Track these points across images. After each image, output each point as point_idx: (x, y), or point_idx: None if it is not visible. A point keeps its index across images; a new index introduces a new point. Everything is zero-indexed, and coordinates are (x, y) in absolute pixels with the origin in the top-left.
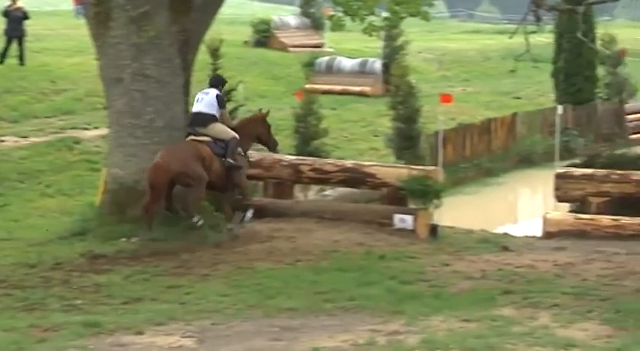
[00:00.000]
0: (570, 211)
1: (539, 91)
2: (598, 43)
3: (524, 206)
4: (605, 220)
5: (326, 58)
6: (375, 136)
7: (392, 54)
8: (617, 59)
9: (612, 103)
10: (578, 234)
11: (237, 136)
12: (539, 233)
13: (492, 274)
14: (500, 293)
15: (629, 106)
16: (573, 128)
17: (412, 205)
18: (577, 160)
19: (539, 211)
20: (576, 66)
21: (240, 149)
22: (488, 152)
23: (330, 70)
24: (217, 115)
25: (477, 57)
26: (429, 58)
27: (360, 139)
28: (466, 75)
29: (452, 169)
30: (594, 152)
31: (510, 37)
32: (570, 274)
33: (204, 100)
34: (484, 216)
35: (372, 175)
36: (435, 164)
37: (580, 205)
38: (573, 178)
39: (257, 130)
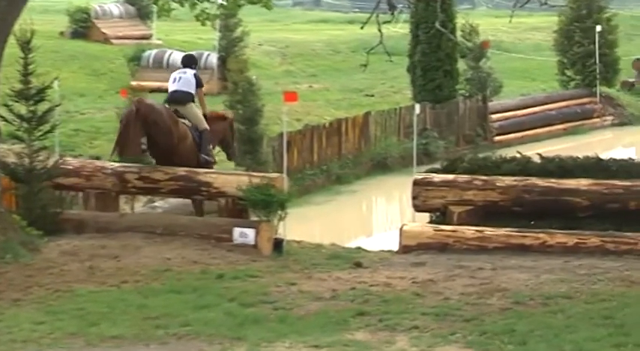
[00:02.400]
0: (430, 222)
1: (394, 87)
2: (458, 35)
3: (379, 217)
4: (468, 231)
5: (154, 52)
6: None
7: (229, 46)
8: (479, 52)
9: (475, 100)
10: (439, 247)
11: (208, 128)
12: (395, 247)
13: (344, 293)
14: (353, 315)
15: (493, 104)
16: (432, 129)
17: (254, 218)
18: (437, 165)
19: (395, 223)
20: (434, 60)
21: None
22: (339, 157)
23: (160, 64)
24: (194, 95)
25: (325, 50)
26: (271, 51)
27: None
28: (313, 70)
29: (298, 176)
30: (456, 156)
31: (361, 28)
32: (430, 293)
33: (182, 80)
34: (335, 229)
35: (208, 184)
36: (280, 171)
37: (440, 215)
38: (433, 185)
39: (224, 133)
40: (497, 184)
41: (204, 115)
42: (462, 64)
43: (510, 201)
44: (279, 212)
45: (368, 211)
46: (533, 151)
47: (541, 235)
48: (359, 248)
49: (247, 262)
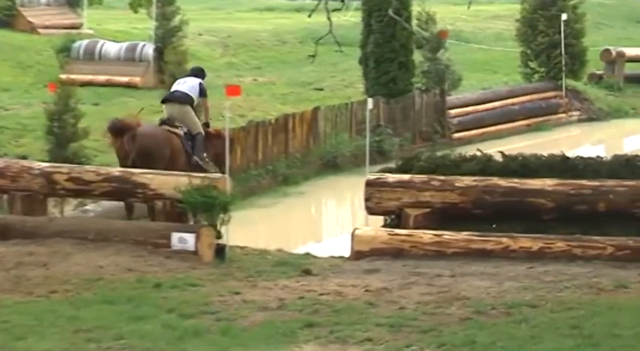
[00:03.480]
0: (384, 226)
1: (345, 80)
2: (414, 24)
3: (329, 221)
4: (426, 235)
5: (85, 42)
6: None
7: (166, 37)
8: (436, 42)
9: (432, 95)
10: (394, 253)
11: (203, 132)
12: (347, 253)
13: (292, 303)
14: (301, 326)
15: (452, 98)
16: (386, 126)
17: (194, 222)
18: (391, 165)
19: (347, 227)
20: (388, 51)
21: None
22: (286, 156)
23: (91, 56)
24: (195, 102)
25: (271, 40)
26: (212, 41)
27: None
28: (257, 62)
29: (242, 176)
30: (412, 154)
31: (309, 16)
32: (385, 302)
33: (187, 84)
34: (282, 233)
35: (144, 186)
36: (222, 171)
37: (395, 219)
38: (387, 186)
39: (217, 150)
40: (457, 184)
41: (206, 124)
42: (418, 56)
43: (470, 203)
44: (222, 216)
45: (317, 214)
46: (495, 149)
47: (503, 239)
48: (308, 254)
49: (187, 269)
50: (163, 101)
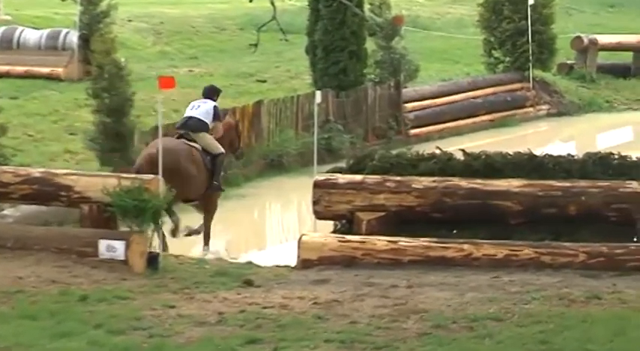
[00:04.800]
0: (334, 232)
1: (290, 71)
2: (366, 9)
3: (273, 226)
4: (380, 242)
5: (2, 29)
6: (72, 134)
7: (92, 23)
8: (391, 29)
9: (386, 87)
10: (345, 262)
11: (224, 151)
12: (293, 262)
13: (232, 317)
14: (242, 343)
15: (408, 91)
16: (336, 121)
17: (124, 228)
18: (342, 164)
19: (293, 233)
20: (338, 38)
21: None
22: (226, 154)
23: (9, 44)
24: (210, 126)
25: (207, 27)
26: (143, 28)
27: (51, 138)
28: (193, 51)
29: None
30: (364, 153)
31: (250, 1)
32: (335, 316)
33: (201, 108)
34: (221, 240)
35: (69, 188)
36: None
37: (346, 224)
38: (337, 188)
39: (231, 137)
40: (414, 185)
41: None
42: (370, 44)
43: (429, 206)
44: (155, 221)
45: (260, 219)
46: (456, 147)
47: (465, 246)
48: (250, 263)
49: (116, 280)
50: (179, 127)
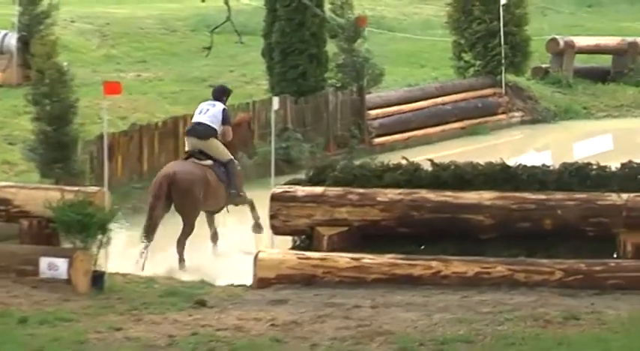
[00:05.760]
0: (293, 248)
1: (245, 76)
2: (327, 9)
3: (228, 242)
4: (342, 259)
5: None
6: (10, 143)
7: (32, 24)
8: (353, 31)
9: (349, 93)
10: (305, 280)
11: (233, 158)
12: (249, 281)
13: (184, 340)
14: None
15: (372, 96)
16: (295, 129)
17: (67, 245)
18: (301, 175)
19: (249, 249)
20: (297, 41)
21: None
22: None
23: None
24: (218, 131)
25: (157, 28)
26: (88, 29)
27: None
28: (141, 54)
29: (124, 190)
30: (325, 163)
31: (203, 1)
32: (294, 338)
33: (209, 112)
34: (171, 258)
35: (7, 202)
36: (100, 184)
37: (306, 240)
38: (296, 201)
39: (244, 136)
40: (378, 198)
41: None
42: (332, 47)
43: (395, 220)
44: (100, 237)
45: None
46: (423, 157)
47: (434, 263)
48: (202, 282)
49: (58, 301)
50: (187, 133)
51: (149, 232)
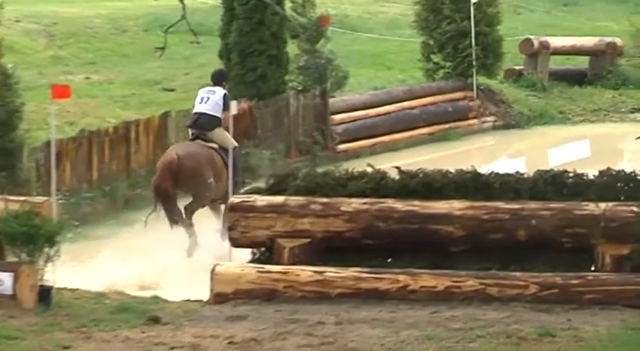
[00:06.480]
0: (252, 261)
1: (201, 79)
2: (287, 7)
3: (183, 255)
4: (304, 273)
5: None
6: None
7: None
8: (316, 31)
9: (311, 96)
10: (265, 295)
11: (237, 145)
12: (206, 295)
13: None
14: None
15: (336, 100)
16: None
17: (11, 258)
18: (260, 184)
19: (205, 262)
20: (256, 41)
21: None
22: (127, 173)
23: None
24: (222, 119)
25: (107, 28)
26: (33, 29)
27: None
28: (90, 55)
29: (72, 199)
30: (286, 171)
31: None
32: None
33: (210, 100)
34: (123, 272)
35: None
36: (47, 193)
37: (266, 252)
38: (255, 211)
39: (246, 124)
40: (343, 208)
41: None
42: (293, 48)
43: (360, 231)
44: (47, 250)
45: (167, 247)
46: (390, 164)
47: (401, 277)
48: (156, 297)
49: (3, 318)
50: (190, 125)
51: (177, 221)
